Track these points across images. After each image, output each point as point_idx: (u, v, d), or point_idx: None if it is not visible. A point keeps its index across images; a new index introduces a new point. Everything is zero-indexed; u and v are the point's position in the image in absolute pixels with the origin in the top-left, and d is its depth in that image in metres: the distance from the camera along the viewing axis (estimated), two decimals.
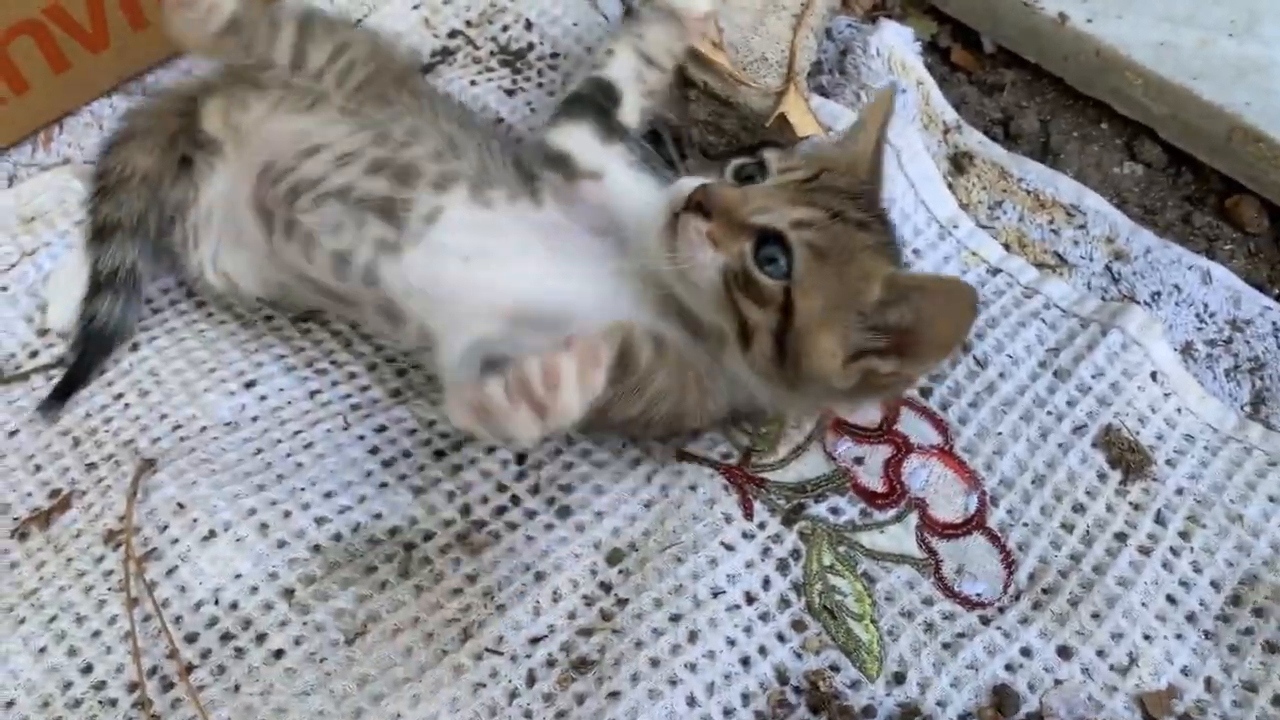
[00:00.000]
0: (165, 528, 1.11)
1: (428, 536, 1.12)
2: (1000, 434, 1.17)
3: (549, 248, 1.10)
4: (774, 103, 1.29)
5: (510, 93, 1.48)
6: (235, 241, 1.22)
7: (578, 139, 1.15)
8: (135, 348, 1.27)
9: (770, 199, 0.98)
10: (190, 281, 1.28)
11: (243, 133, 1.22)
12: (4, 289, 1.33)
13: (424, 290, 1.09)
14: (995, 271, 1.30)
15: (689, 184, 0.99)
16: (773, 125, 1.28)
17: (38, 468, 1.20)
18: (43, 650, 1.06)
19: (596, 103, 1.19)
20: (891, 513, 1.12)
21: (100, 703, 1.02)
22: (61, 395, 1.23)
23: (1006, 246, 1.33)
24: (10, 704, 1.03)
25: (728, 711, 1.00)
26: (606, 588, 1.08)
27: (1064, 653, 1.05)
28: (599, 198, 1.12)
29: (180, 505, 1.12)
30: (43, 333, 1.31)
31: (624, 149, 1.16)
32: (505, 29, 1.54)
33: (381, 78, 1.21)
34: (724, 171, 1.04)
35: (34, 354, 1.30)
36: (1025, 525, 1.12)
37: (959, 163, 1.39)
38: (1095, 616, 1.06)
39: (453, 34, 1.55)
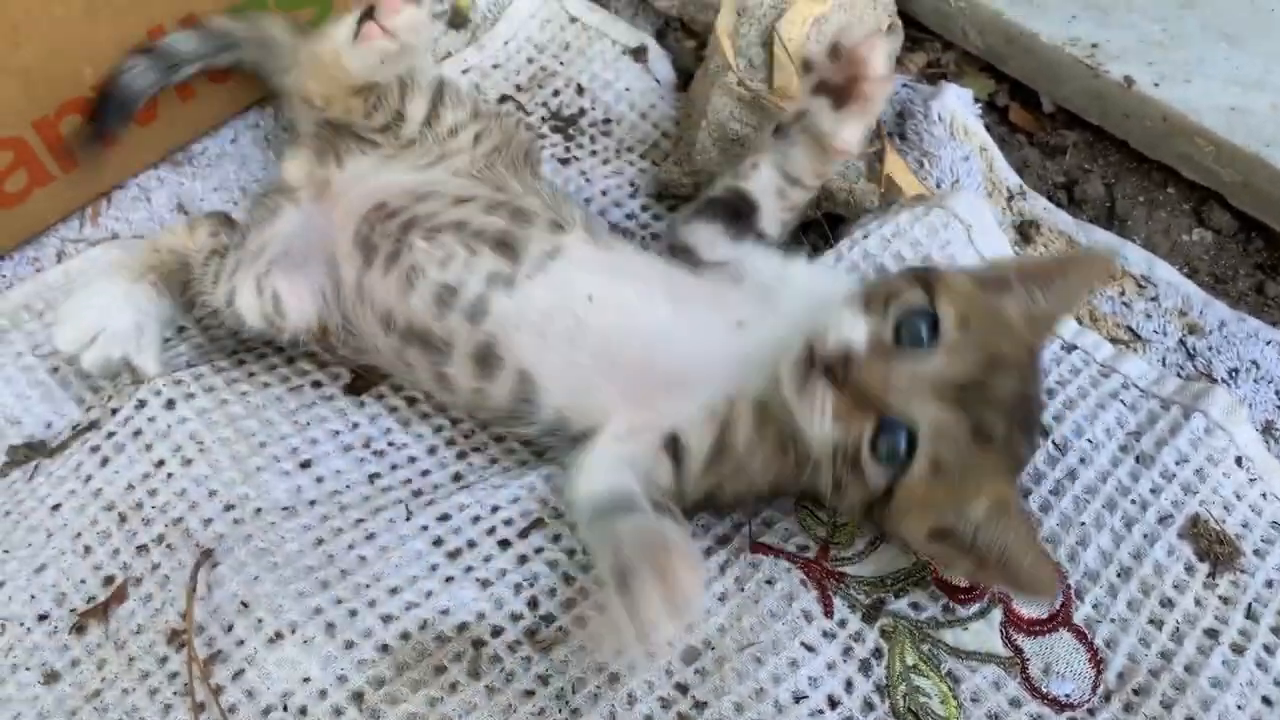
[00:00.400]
0: (230, 628, 1.08)
1: (496, 632, 1.09)
2: (1084, 524, 1.13)
3: (673, 296, 1.10)
4: (869, 167, 1.27)
5: (564, 161, 1.46)
6: (298, 269, 1.21)
7: (706, 236, 1.16)
8: (171, 405, 1.24)
9: (919, 390, 0.93)
10: (210, 316, 1.29)
11: (333, 184, 1.24)
12: (55, 370, 1.32)
13: (538, 327, 1.10)
14: (1070, 348, 1.26)
15: (839, 332, 0.95)
16: (881, 187, 1.26)
17: (87, 549, 1.17)
18: None
19: (733, 207, 1.18)
20: (975, 608, 1.09)
21: None
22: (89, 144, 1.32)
23: (1079, 321, 1.30)
24: None
25: None
26: (683, 689, 1.05)
27: None
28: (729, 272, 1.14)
29: (244, 604, 1.09)
30: (81, 401, 1.29)
31: (757, 246, 1.16)
32: (556, 94, 1.52)
33: (507, 151, 1.23)
34: (886, 314, 0.97)
35: (75, 425, 1.28)
36: (1113, 621, 1.08)
37: (1025, 232, 1.36)
38: None
39: (502, 99, 1.52)
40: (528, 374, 1.11)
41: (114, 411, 1.26)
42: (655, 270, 1.14)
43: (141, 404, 1.25)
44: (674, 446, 1.08)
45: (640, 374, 1.08)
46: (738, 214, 1.17)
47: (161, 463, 1.21)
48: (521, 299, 1.10)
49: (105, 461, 1.22)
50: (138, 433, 1.24)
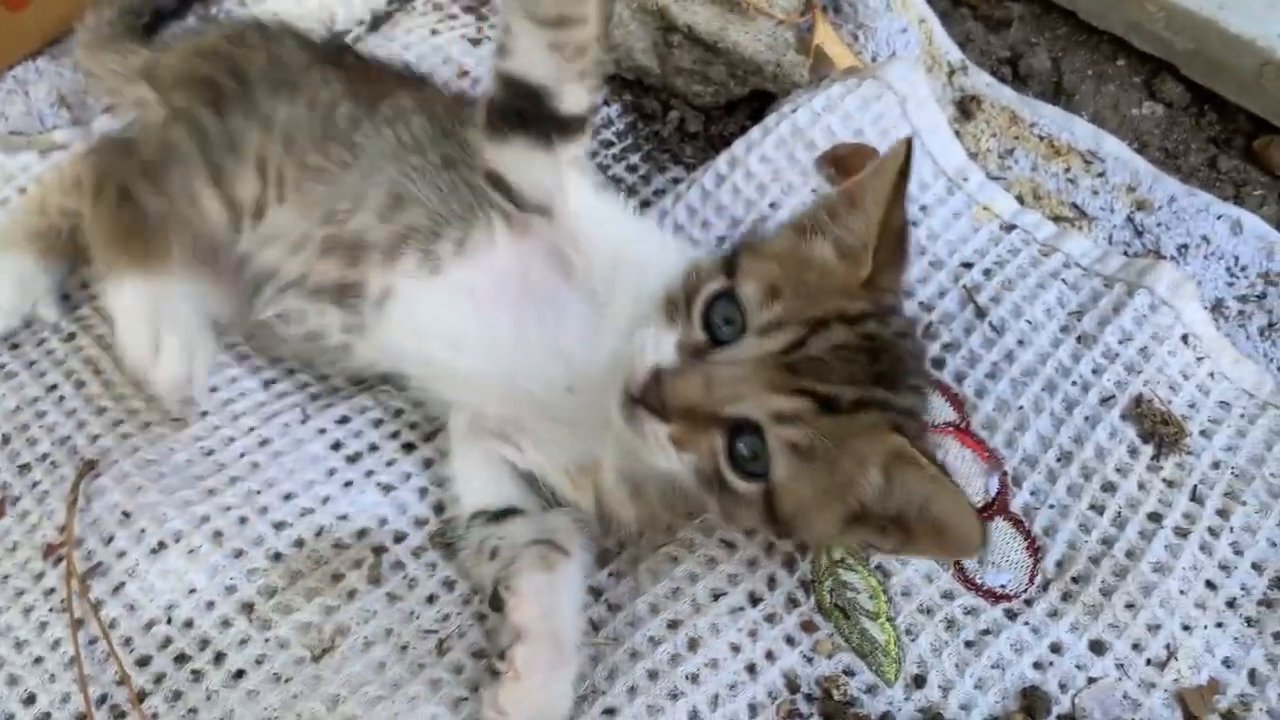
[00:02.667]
0: (111, 539, 1.01)
1: (399, 538, 1.03)
2: (1021, 408, 1.07)
3: (516, 319, 0.99)
4: (798, 39, 1.18)
5: (475, 42, 1.36)
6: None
7: (512, 160, 0.97)
8: (71, 337, 1.17)
9: (744, 384, 0.82)
10: None
11: None
12: None
13: (400, 369, 1.06)
14: (1010, 228, 1.19)
15: (643, 359, 0.84)
16: (811, 59, 1.16)
17: None
18: None
19: (518, 102, 0.95)
20: None
21: None
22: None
23: (1020, 199, 1.23)
24: None
25: None
26: (596, 593, 0.99)
27: (1097, 648, 0.96)
28: (555, 239, 0.99)
29: (126, 514, 1.02)
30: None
31: (574, 162, 0.98)
32: None
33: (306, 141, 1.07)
34: (690, 313, 0.86)
35: None
36: (1051, 507, 1.03)
37: (966, 107, 1.28)
38: (1130, 607, 0.98)
39: None
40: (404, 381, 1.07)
41: (14, 347, 1.17)
42: (505, 295, 0.99)
43: (41, 341, 1.17)
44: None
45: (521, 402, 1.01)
46: (530, 110, 0.95)
47: (54, 386, 1.14)
48: (374, 346, 1.03)
49: None
50: (32, 363, 1.16)
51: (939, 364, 1.10)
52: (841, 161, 1.16)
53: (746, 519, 0.89)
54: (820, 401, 0.81)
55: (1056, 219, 1.21)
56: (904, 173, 0.85)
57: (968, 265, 1.15)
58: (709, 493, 0.86)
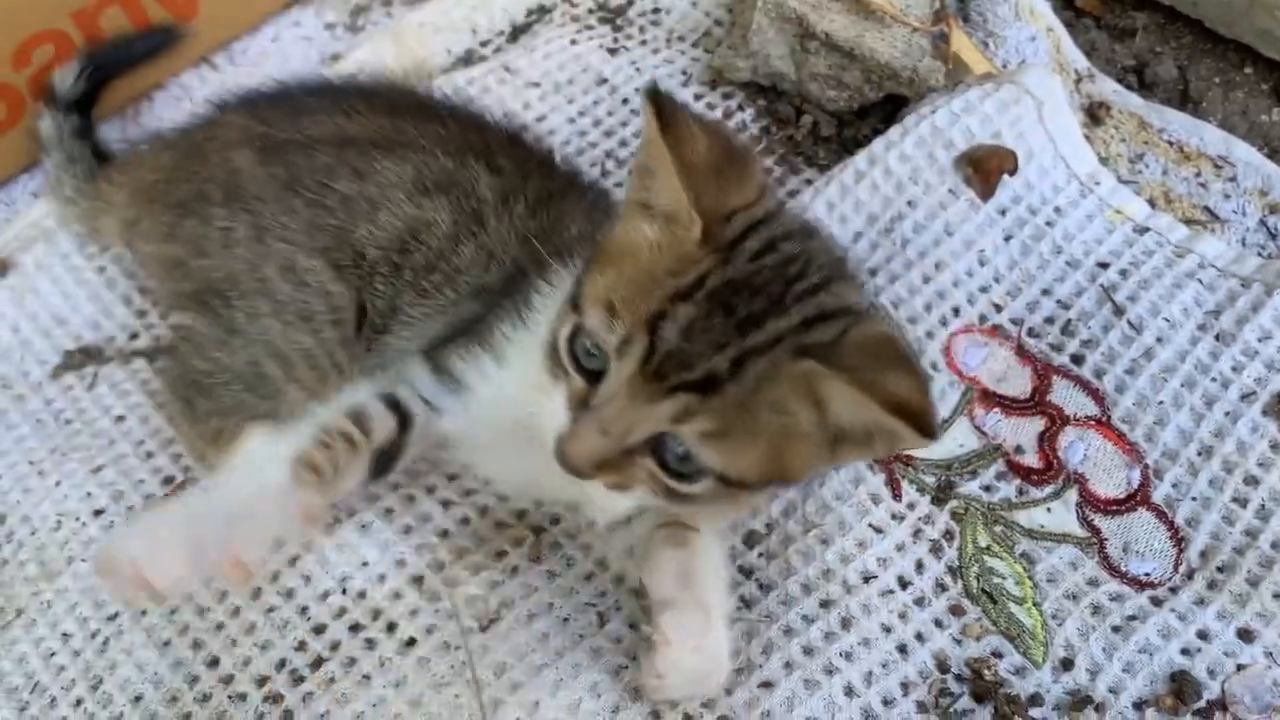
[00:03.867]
0: None
1: (554, 520, 1.07)
2: (1161, 403, 1.09)
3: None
4: (933, 46, 1.21)
5: (613, 51, 1.41)
6: None
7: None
8: None
9: (628, 412, 0.78)
10: None
11: None
12: (102, 270, 1.30)
13: None
14: (1143, 230, 1.21)
15: (547, 432, 0.83)
16: (949, 64, 1.20)
17: (149, 454, 1.17)
18: (167, 643, 1.03)
19: None
20: (1049, 489, 1.05)
21: (230, 697, 0.99)
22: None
23: (1151, 203, 1.25)
24: (138, 699, 1.00)
25: (887, 701, 0.95)
26: (747, 572, 1.03)
27: (1245, 635, 0.98)
28: None
29: None
30: (141, 314, 1.28)
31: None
32: None
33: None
34: (563, 362, 0.83)
35: (133, 335, 1.26)
36: (1194, 500, 1.05)
37: (1095, 114, 1.31)
38: (1278, 597, 0.99)
39: None
40: None
41: None
42: None
43: None
44: None
45: None
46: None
47: None
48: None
49: None
50: None
51: (1078, 360, 1.12)
52: (979, 162, 1.19)
53: (731, 503, 0.90)
54: (699, 387, 0.76)
55: (1189, 222, 1.23)
56: (661, 117, 0.77)
57: (1104, 265, 1.18)
58: (681, 505, 0.85)
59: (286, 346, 1.07)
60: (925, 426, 0.73)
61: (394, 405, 0.99)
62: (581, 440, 0.80)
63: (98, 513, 1.13)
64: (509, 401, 0.92)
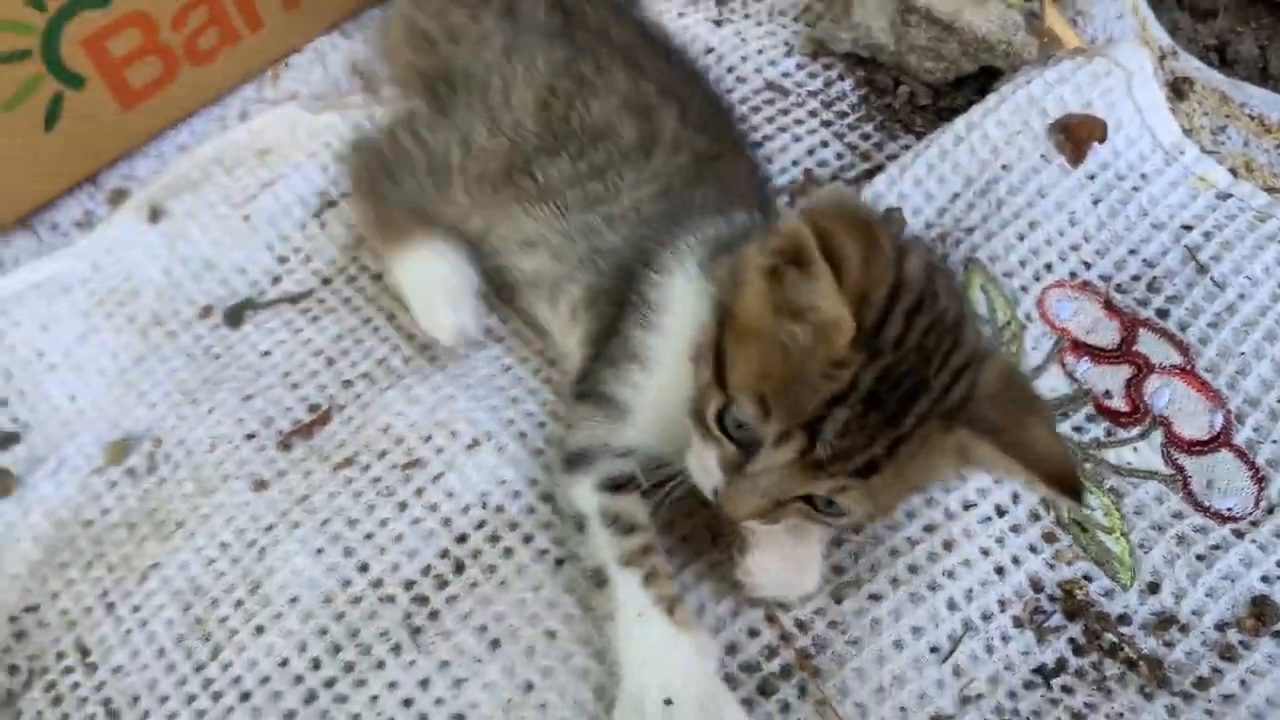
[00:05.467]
0: (429, 438, 1.17)
1: None
2: (1243, 354, 1.16)
3: None
4: (1026, 21, 1.29)
5: (718, 23, 1.50)
6: None
7: None
8: (378, 277, 1.33)
9: (786, 482, 0.84)
10: None
11: None
12: (246, 218, 1.40)
13: None
14: (1225, 196, 1.28)
15: (704, 486, 0.90)
16: (1043, 39, 1.27)
17: (295, 385, 1.26)
18: (320, 551, 1.12)
19: None
20: (1135, 431, 1.13)
21: (380, 599, 1.08)
22: None
23: (1233, 171, 1.32)
24: (294, 600, 1.09)
25: (986, 616, 1.03)
26: None
27: None
28: None
29: (441, 419, 1.17)
30: (283, 260, 1.38)
31: None
32: None
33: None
34: (710, 430, 0.87)
35: (276, 279, 1.37)
36: (1275, 443, 1.12)
37: (1178, 88, 1.38)
38: None
39: None
40: None
41: (325, 281, 1.35)
42: None
43: (353, 279, 1.35)
44: None
45: None
46: None
47: (369, 320, 1.30)
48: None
49: (315, 319, 1.32)
50: (347, 300, 1.33)
51: (1163, 314, 1.20)
52: (1070, 130, 1.27)
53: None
54: (858, 471, 0.82)
55: (1270, 190, 1.30)
56: (823, 244, 0.77)
57: (1188, 228, 1.25)
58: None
59: (477, 142, 1.18)
60: (1077, 494, 0.81)
61: None
62: (741, 502, 0.85)
63: (249, 436, 1.23)
64: (668, 401, 0.97)
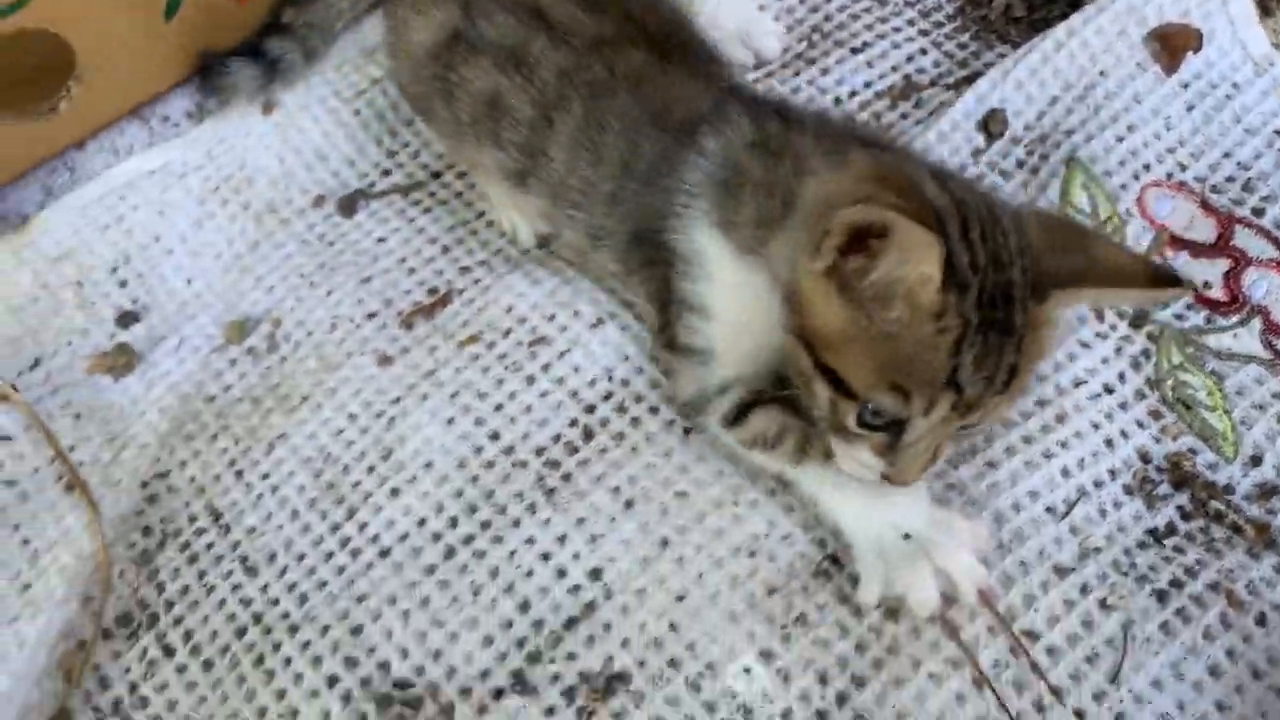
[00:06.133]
0: (552, 317, 1.21)
1: None
2: None
3: None
4: None
5: None
6: None
7: None
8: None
9: (944, 430, 0.87)
10: None
11: None
12: (356, 113, 1.44)
13: None
14: None
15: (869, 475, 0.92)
16: None
17: (412, 270, 1.30)
18: (450, 421, 1.16)
19: None
20: (1235, 318, 1.18)
21: (513, 464, 1.13)
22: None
23: None
24: (429, 465, 1.14)
25: (1098, 484, 1.08)
26: None
27: None
28: None
29: (563, 300, 1.22)
30: (392, 154, 1.42)
31: None
32: None
33: None
34: (851, 433, 0.90)
35: (386, 172, 1.40)
36: None
37: (1266, 5, 1.42)
38: None
39: None
40: None
41: (435, 175, 1.39)
42: None
43: (462, 174, 1.38)
44: None
45: None
46: None
47: (482, 214, 1.34)
48: None
49: (428, 210, 1.36)
50: (459, 194, 1.37)
51: (1258, 213, 1.25)
52: (1166, 39, 1.31)
53: None
54: (1003, 387, 0.85)
55: None
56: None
57: (1279, 133, 1.30)
58: None
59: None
60: (1176, 278, 0.85)
61: None
62: (910, 471, 0.89)
63: (370, 315, 1.27)
64: (742, 332, 1.01)
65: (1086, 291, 0.86)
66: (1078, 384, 1.13)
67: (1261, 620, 0.99)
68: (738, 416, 1.04)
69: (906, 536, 0.96)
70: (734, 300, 0.99)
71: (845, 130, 1.04)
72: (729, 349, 1.03)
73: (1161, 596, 1.00)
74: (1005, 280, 0.83)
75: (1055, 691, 0.95)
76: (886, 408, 0.85)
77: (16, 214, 1.38)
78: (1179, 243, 1.23)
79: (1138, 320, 1.18)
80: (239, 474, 1.18)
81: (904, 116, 1.36)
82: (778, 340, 0.93)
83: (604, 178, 1.08)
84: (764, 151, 0.98)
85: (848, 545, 1.01)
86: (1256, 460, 1.10)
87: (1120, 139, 1.29)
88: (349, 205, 1.37)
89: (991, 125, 1.30)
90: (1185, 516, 1.06)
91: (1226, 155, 1.29)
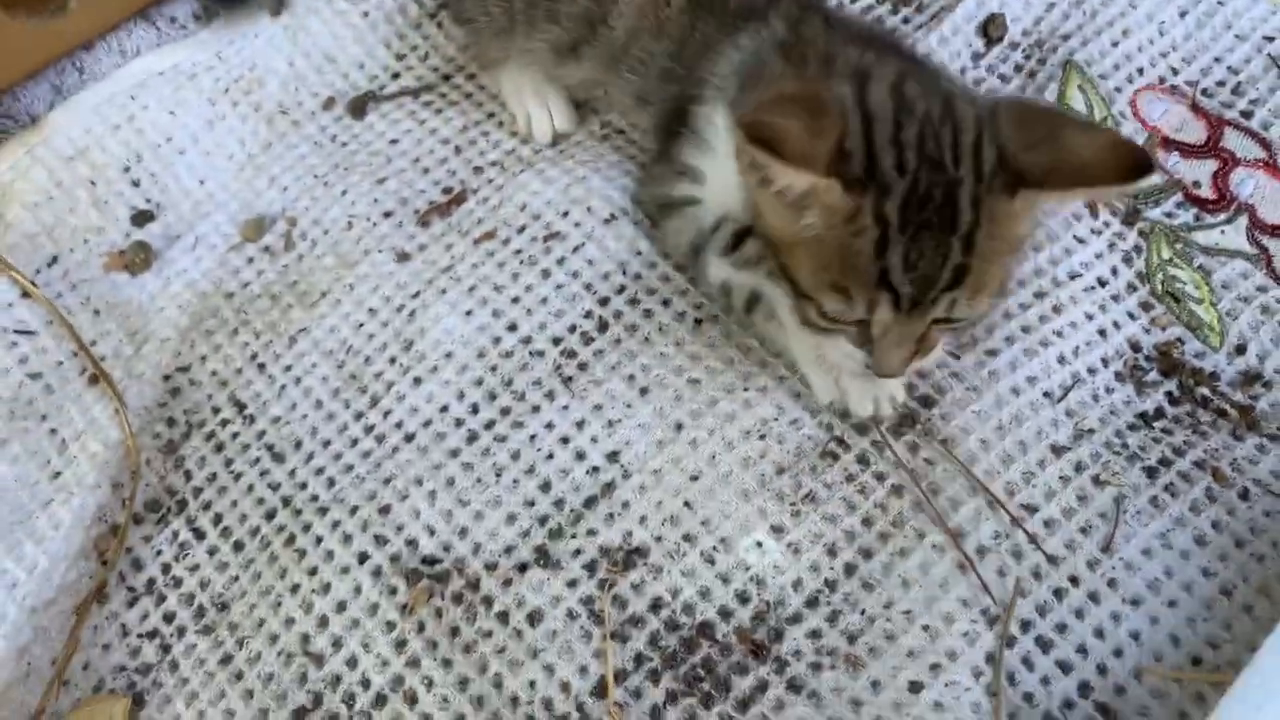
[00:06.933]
0: (566, 213, 1.24)
1: None
2: None
3: None
4: None
5: None
6: None
7: None
8: None
9: (909, 326, 0.89)
10: None
11: None
12: (365, 15, 1.45)
13: None
14: None
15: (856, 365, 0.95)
16: None
17: (426, 170, 1.33)
18: (469, 313, 1.20)
19: None
20: (1222, 216, 1.23)
21: (530, 354, 1.17)
22: None
23: None
24: (449, 355, 1.18)
25: (1091, 370, 1.13)
26: None
27: None
28: None
29: (577, 197, 1.25)
30: (400, 57, 1.43)
31: None
32: None
33: None
34: (824, 326, 0.93)
35: (395, 75, 1.42)
36: None
37: None
38: None
39: None
40: None
41: (445, 78, 1.41)
42: None
43: (472, 76, 1.41)
44: None
45: None
46: None
47: (493, 114, 1.37)
48: None
49: (439, 112, 1.38)
50: (469, 95, 1.39)
51: (1247, 115, 1.29)
52: None
53: None
54: (952, 284, 0.85)
55: None
56: (765, 145, 0.81)
57: (1269, 39, 1.34)
58: None
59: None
60: (1149, 166, 0.81)
61: None
62: (889, 363, 0.91)
63: (387, 214, 1.29)
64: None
65: (1053, 193, 0.85)
66: (1073, 277, 1.18)
67: (1244, 495, 1.05)
68: (735, 244, 1.07)
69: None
70: (726, 180, 1.02)
71: (867, 34, 1.07)
72: (719, 201, 1.08)
73: (1151, 473, 1.06)
74: (946, 180, 0.84)
75: (1051, 559, 1.01)
76: (832, 308, 0.89)
77: (27, 113, 1.39)
78: (1170, 144, 1.27)
79: (1129, 218, 1.23)
80: (261, 367, 1.21)
81: (905, 21, 1.39)
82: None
83: (661, 53, 1.13)
84: (789, 54, 1.01)
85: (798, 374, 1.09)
86: (1241, 349, 1.15)
87: (1115, 44, 1.32)
88: (359, 107, 1.39)
89: (991, 29, 1.33)
90: (1174, 401, 1.12)
91: (1217, 60, 1.33)
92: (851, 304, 0.87)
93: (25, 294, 1.25)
